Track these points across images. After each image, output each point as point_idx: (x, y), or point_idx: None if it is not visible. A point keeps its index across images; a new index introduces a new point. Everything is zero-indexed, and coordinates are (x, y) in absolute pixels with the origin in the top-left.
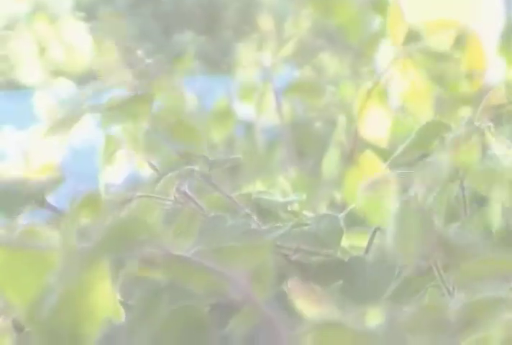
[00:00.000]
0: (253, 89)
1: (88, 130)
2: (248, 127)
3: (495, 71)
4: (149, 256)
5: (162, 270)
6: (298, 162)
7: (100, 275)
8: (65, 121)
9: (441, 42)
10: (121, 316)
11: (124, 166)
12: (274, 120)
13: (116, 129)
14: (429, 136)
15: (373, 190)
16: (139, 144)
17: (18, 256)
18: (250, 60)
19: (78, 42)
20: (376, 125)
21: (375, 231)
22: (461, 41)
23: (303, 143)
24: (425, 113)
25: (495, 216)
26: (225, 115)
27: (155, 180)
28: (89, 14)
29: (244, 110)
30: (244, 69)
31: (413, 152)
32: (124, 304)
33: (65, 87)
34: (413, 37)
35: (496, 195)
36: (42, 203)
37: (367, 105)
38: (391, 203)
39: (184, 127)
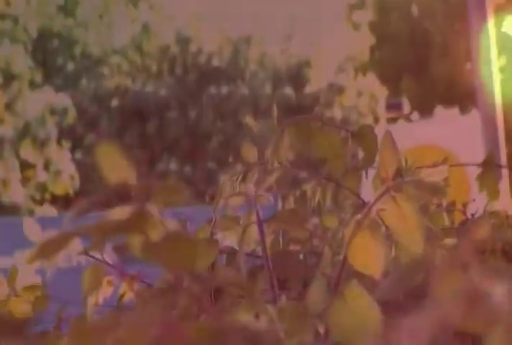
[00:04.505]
0: (235, 220)
1: (74, 252)
2: (231, 257)
3: (478, 203)
4: None
5: None
6: (281, 293)
7: None
8: (52, 245)
9: (432, 173)
10: None
11: (109, 291)
12: (256, 251)
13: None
14: (415, 269)
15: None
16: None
17: None
18: (233, 190)
19: (63, 168)
20: (368, 257)
21: None
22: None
23: (286, 274)
24: (416, 246)
25: None
26: (208, 244)
27: (142, 305)
28: (74, 141)
29: (227, 239)
30: (227, 199)
31: (400, 285)
32: None
33: (51, 211)
34: (403, 169)
35: (493, 339)
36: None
37: (357, 236)
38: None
39: (180, 242)
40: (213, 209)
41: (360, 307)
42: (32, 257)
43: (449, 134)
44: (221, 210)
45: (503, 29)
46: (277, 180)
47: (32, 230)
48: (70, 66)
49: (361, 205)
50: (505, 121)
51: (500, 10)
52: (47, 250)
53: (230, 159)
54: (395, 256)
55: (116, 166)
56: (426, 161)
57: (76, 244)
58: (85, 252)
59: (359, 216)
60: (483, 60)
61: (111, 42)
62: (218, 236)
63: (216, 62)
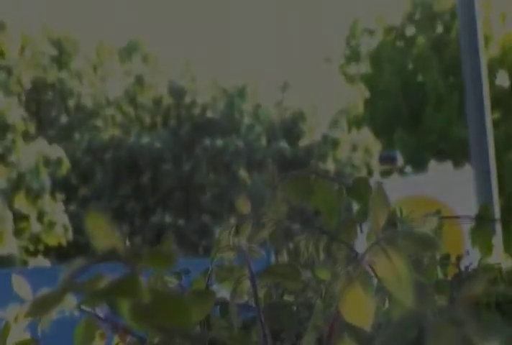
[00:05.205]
0: (230, 272)
1: (67, 306)
2: (224, 308)
3: (471, 255)
4: None
5: None
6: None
7: None
8: (46, 302)
9: (423, 225)
10: None
11: (101, 343)
12: (250, 302)
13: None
14: (408, 324)
15: None
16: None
17: None
18: (227, 243)
19: (56, 219)
20: (359, 309)
21: None
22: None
23: (279, 325)
24: (406, 299)
25: None
26: (204, 296)
27: None
28: (67, 192)
29: (221, 291)
30: (222, 252)
31: (393, 342)
32: None
33: (44, 262)
34: (396, 221)
35: None
36: None
37: (348, 289)
38: None
39: (169, 303)
40: (209, 261)
41: None
42: (26, 313)
43: (442, 188)
44: (216, 262)
45: (497, 83)
46: (271, 233)
47: (21, 286)
48: (64, 118)
49: (354, 258)
50: (499, 175)
51: (493, 63)
52: (42, 306)
53: (224, 212)
54: (387, 309)
55: (104, 236)
56: (418, 213)
57: (70, 298)
58: (79, 306)
59: (350, 268)
60: (477, 113)
61: (105, 94)
62: (214, 287)
63: (210, 114)
